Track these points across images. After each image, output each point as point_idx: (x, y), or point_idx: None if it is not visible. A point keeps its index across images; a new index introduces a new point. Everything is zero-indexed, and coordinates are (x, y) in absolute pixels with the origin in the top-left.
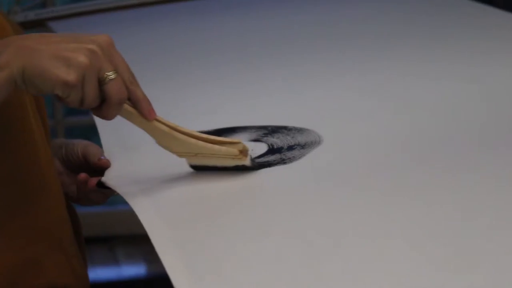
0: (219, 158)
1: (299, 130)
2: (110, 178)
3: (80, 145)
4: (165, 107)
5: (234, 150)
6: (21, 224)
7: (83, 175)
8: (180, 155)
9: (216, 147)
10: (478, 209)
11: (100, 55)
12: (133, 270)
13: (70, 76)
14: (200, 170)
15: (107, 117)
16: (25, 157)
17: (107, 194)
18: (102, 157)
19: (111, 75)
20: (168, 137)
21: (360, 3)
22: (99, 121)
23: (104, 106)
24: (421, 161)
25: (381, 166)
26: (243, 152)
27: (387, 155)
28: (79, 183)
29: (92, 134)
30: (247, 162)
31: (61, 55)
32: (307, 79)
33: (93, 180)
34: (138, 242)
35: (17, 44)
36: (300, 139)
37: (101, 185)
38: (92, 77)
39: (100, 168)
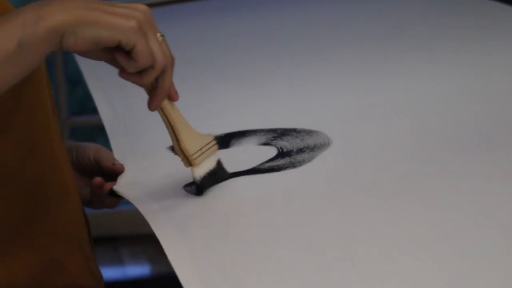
0: (208, 153)
1: (308, 132)
2: (121, 186)
3: (92, 148)
4: None
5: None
6: (44, 226)
7: (98, 179)
8: (194, 157)
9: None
10: (491, 209)
11: (150, 16)
12: (138, 270)
13: (130, 22)
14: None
15: (166, 85)
16: (48, 162)
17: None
18: (116, 162)
19: (161, 35)
20: (186, 126)
21: (361, 4)
22: (109, 127)
23: (164, 74)
24: (429, 161)
25: (389, 167)
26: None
27: (395, 155)
28: (94, 187)
29: (98, 134)
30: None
31: (113, 11)
32: (313, 81)
33: (109, 185)
34: (142, 242)
35: (61, 1)
36: (309, 141)
37: (113, 193)
38: (150, 30)
39: (114, 173)
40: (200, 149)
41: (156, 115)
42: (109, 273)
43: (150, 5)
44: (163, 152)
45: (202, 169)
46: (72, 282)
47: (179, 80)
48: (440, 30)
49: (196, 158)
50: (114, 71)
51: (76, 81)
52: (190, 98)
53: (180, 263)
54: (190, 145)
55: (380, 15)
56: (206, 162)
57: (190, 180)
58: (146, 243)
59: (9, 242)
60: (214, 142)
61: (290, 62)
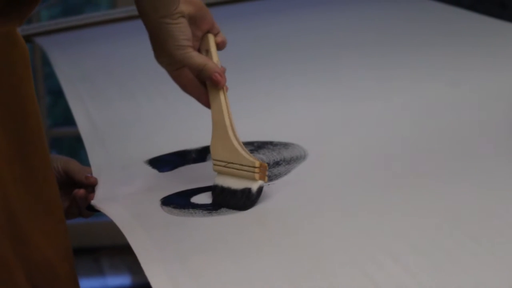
0: (240, 174)
1: (285, 145)
2: (99, 200)
3: (59, 160)
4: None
5: (255, 161)
6: (41, 231)
7: (82, 191)
8: (215, 163)
9: (246, 154)
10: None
11: None
12: (118, 280)
13: None
14: (214, 199)
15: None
16: (44, 172)
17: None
18: (89, 175)
19: None
20: (224, 132)
21: (344, 10)
22: (87, 140)
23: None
24: (410, 169)
25: (367, 179)
26: (261, 169)
27: (374, 166)
28: (78, 199)
29: (79, 146)
30: (255, 185)
31: None
32: (289, 91)
33: (92, 195)
34: (122, 253)
35: None
36: (285, 154)
37: (90, 208)
38: None
39: (87, 186)
40: (226, 162)
41: (134, 127)
42: (90, 284)
43: (135, 18)
44: (141, 166)
45: (220, 179)
46: None
47: (158, 92)
48: (425, 36)
49: (216, 165)
50: (93, 84)
51: (59, 93)
52: (168, 111)
53: (155, 275)
54: (215, 150)
55: (359, 21)
56: (229, 178)
57: (167, 193)
58: (127, 254)
59: None
60: (253, 168)
61: (269, 72)
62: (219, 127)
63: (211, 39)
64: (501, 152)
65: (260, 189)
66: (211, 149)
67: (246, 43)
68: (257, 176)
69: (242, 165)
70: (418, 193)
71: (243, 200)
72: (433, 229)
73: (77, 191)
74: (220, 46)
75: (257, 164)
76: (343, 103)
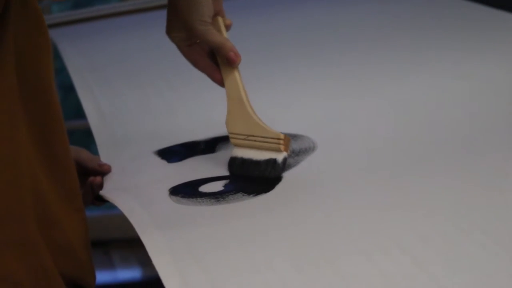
0: (262, 146)
1: (294, 137)
2: (108, 191)
3: (71, 150)
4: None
5: (279, 133)
6: (65, 215)
7: (99, 179)
8: (233, 137)
9: (268, 128)
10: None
11: None
12: (128, 273)
13: None
14: (233, 170)
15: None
16: (66, 160)
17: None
18: (102, 162)
19: None
20: (242, 107)
21: (352, 5)
22: (96, 132)
23: None
24: (415, 163)
25: (376, 172)
26: (285, 141)
27: (382, 158)
28: (95, 186)
29: (90, 141)
30: (280, 156)
31: None
32: (297, 84)
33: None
34: (133, 246)
35: None
36: (294, 146)
37: (99, 198)
38: None
39: (101, 174)
40: (245, 135)
41: (143, 119)
42: (100, 277)
43: (152, 8)
44: (149, 157)
45: (238, 152)
46: (79, 279)
47: (167, 84)
48: (430, 30)
49: (234, 138)
50: (103, 77)
51: (69, 88)
52: (177, 103)
53: (164, 266)
54: (233, 124)
55: (362, 16)
56: (249, 150)
57: (176, 184)
58: (137, 246)
59: None
60: (277, 140)
61: (277, 66)
62: (236, 102)
63: (221, 21)
64: (509, 147)
65: (285, 160)
66: (228, 124)
67: (253, 37)
68: (282, 147)
69: (265, 137)
70: (428, 186)
71: (268, 170)
72: (441, 222)
73: (93, 178)
74: (227, 29)
75: (281, 136)
76: (353, 96)
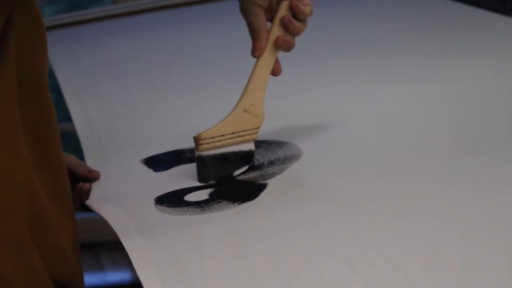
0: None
1: (279, 144)
2: (94, 201)
3: None
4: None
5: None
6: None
7: (88, 185)
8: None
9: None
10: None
11: None
12: (118, 276)
13: None
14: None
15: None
16: (58, 163)
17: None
18: (91, 169)
19: None
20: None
21: (341, 8)
22: (83, 138)
23: None
24: (399, 170)
25: (362, 178)
26: (197, 141)
27: (366, 165)
28: (83, 193)
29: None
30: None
31: None
32: (286, 88)
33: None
34: (122, 248)
35: None
36: (280, 153)
37: (85, 208)
38: None
39: (90, 180)
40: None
41: (130, 125)
42: (89, 279)
43: (153, 9)
44: (136, 165)
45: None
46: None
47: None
48: (420, 32)
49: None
50: (91, 81)
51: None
52: (163, 104)
53: (148, 277)
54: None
55: (354, 18)
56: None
57: (162, 193)
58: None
59: None
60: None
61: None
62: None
63: (283, 8)
64: (501, 150)
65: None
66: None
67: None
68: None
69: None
70: (413, 193)
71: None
72: (426, 229)
73: (82, 184)
74: (299, 15)
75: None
76: (340, 101)
